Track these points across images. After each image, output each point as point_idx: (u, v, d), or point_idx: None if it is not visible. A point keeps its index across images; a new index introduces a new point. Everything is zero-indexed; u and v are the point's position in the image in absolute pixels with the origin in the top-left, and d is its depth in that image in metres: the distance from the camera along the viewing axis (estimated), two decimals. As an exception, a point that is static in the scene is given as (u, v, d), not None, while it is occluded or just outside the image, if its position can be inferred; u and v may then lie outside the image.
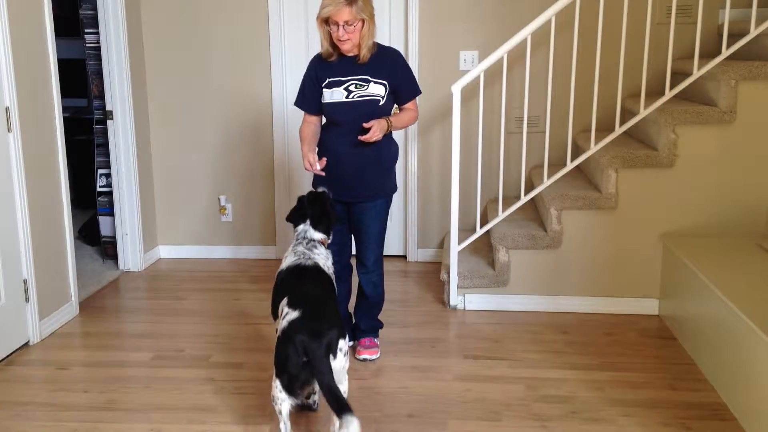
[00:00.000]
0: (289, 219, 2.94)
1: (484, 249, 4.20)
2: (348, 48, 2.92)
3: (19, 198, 3.36)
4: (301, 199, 2.94)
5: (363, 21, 2.86)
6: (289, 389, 2.34)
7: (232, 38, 4.58)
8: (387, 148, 3.10)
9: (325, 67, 3.02)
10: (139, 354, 3.34)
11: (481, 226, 3.99)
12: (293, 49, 4.59)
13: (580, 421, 2.71)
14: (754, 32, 3.47)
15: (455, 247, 3.83)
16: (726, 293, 2.86)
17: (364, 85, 2.96)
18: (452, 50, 4.46)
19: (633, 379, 3.05)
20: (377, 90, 2.97)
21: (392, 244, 4.82)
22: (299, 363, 2.29)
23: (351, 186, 3.08)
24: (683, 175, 3.63)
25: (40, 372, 3.18)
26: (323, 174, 2.98)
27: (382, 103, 2.99)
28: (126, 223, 4.54)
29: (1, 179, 3.26)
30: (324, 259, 2.80)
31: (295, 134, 4.72)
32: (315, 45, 4.57)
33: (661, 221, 3.68)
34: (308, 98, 3.09)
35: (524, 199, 3.83)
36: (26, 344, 3.45)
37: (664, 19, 4.22)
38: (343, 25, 2.84)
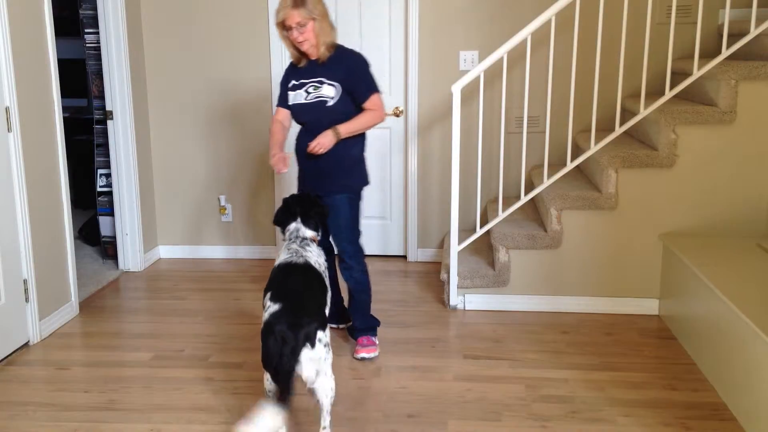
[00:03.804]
0: (277, 221, 2.99)
1: (484, 249, 4.20)
2: (307, 48, 3.04)
3: (19, 198, 3.36)
4: (286, 200, 2.99)
5: (314, 20, 2.98)
6: (277, 380, 2.35)
7: (232, 38, 4.58)
8: (346, 151, 3.15)
9: (294, 72, 3.19)
10: (139, 354, 3.34)
11: (481, 226, 3.99)
12: (293, 49, 4.59)
13: (580, 421, 2.71)
14: (754, 32, 3.47)
15: (455, 247, 3.83)
16: (726, 293, 2.86)
17: (319, 87, 3.08)
18: (452, 50, 4.46)
19: (633, 379, 3.05)
20: (328, 91, 3.07)
21: (392, 244, 4.82)
22: (282, 355, 2.29)
23: (316, 182, 3.20)
24: (683, 175, 3.63)
25: (40, 372, 3.18)
26: (284, 172, 3.08)
27: (330, 104, 3.07)
28: (126, 223, 4.54)
29: (1, 179, 3.26)
30: (316, 256, 2.83)
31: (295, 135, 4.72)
32: (315, 45, 4.58)
33: (661, 221, 3.69)
34: (281, 100, 3.25)
35: (524, 199, 3.83)
36: (26, 344, 3.45)
37: (664, 19, 4.22)
38: (296, 27, 2.97)
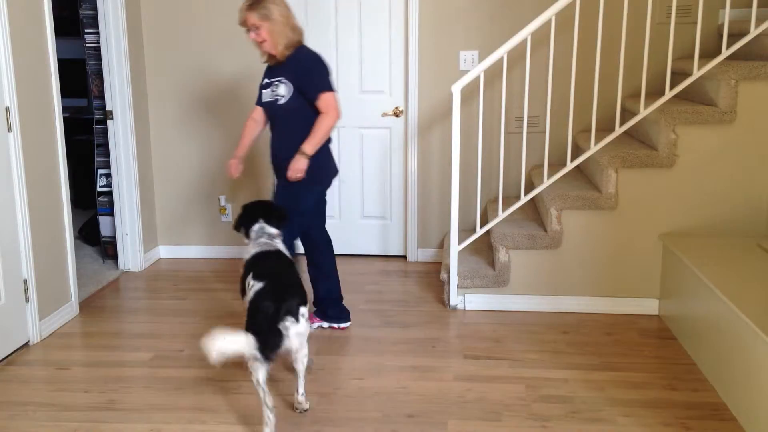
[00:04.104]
0: (238, 225, 3.11)
1: (484, 249, 4.20)
2: (267, 48, 3.16)
3: (19, 198, 3.36)
4: (246, 206, 3.15)
5: (269, 22, 3.09)
6: (263, 354, 2.50)
7: (232, 38, 4.58)
8: (292, 149, 3.22)
9: (267, 71, 3.33)
10: (139, 354, 3.34)
11: (481, 226, 3.99)
12: (293, 49, 4.60)
13: (580, 421, 2.71)
14: (754, 32, 3.47)
15: (455, 247, 3.83)
16: (726, 293, 2.86)
17: (278, 86, 3.20)
18: (452, 50, 4.46)
19: (633, 379, 3.05)
20: (281, 90, 3.18)
21: (392, 244, 4.82)
22: (267, 329, 2.50)
23: (280, 171, 3.30)
24: (683, 175, 3.63)
25: (40, 372, 3.18)
26: (236, 177, 3.37)
27: (281, 102, 3.18)
28: (126, 223, 4.54)
29: (1, 179, 3.26)
30: (284, 248, 3.02)
31: (295, 134, 4.73)
32: (314, 46, 4.58)
33: (661, 221, 3.69)
34: (257, 98, 3.40)
35: (524, 199, 3.83)
36: (26, 344, 3.46)
37: (664, 19, 4.22)
38: (252, 28, 3.12)
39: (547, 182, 3.79)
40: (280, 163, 3.26)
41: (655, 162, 3.60)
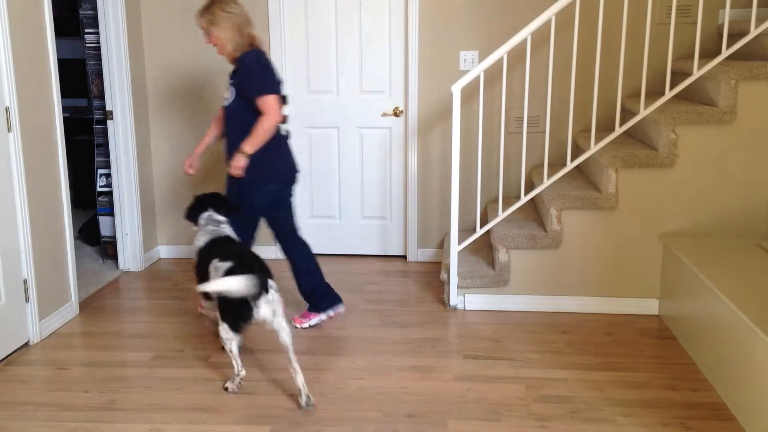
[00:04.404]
0: (190, 214, 3.31)
1: (484, 249, 4.20)
2: (219, 52, 3.31)
3: (19, 198, 3.36)
4: (197, 197, 3.35)
5: (216, 27, 3.24)
6: (235, 328, 2.83)
7: (232, 38, 4.58)
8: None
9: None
10: (139, 354, 3.35)
11: (481, 226, 3.99)
12: (293, 50, 4.60)
13: (580, 421, 2.72)
14: (754, 32, 3.47)
15: (455, 247, 3.84)
16: (726, 293, 2.86)
17: (228, 88, 3.34)
18: (452, 50, 4.46)
19: (633, 379, 3.05)
20: (229, 92, 3.32)
21: (392, 244, 4.82)
22: (240, 305, 2.75)
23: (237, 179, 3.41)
24: (683, 175, 3.63)
25: (40, 372, 3.18)
26: (191, 174, 3.55)
27: (225, 104, 3.34)
28: (126, 223, 4.54)
29: (1, 179, 3.26)
30: (232, 233, 3.23)
31: (295, 135, 4.73)
32: (314, 47, 4.58)
33: (661, 221, 3.69)
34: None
35: (524, 199, 3.83)
36: (26, 344, 3.46)
37: (664, 19, 4.22)
38: (204, 32, 3.29)
39: (547, 182, 3.79)
40: (227, 161, 3.40)
41: (655, 162, 3.60)
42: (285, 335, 2.83)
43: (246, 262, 2.81)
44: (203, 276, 3.01)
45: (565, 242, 3.76)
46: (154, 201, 4.82)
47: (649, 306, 3.77)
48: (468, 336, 3.53)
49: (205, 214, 3.26)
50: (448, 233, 4.61)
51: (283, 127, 3.43)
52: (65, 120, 4.79)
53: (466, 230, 4.51)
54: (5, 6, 3.20)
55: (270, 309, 2.79)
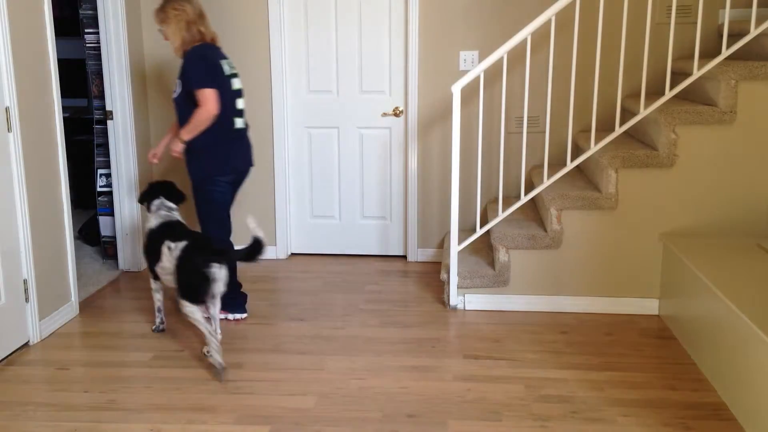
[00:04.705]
0: (143, 198, 3.54)
1: (484, 249, 4.20)
2: (173, 48, 3.50)
3: (19, 198, 3.36)
4: (151, 184, 3.57)
5: (167, 24, 3.43)
6: (196, 301, 3.06)
7: (232, 39, 4.58)
8: (193, 140, 3.46)
9: None
10: (139, 354, 3.35)
11: (481, 226, 3.99)
12: (293, 50, 4.60)
13: (580, 421, 2.71)
14: (754, 32, 3.47)
15: (455, 247, 3.84)
16: (726, 293, 2.86)
17: (177, 82, 3.49)
18: (452, 50, 4.46)
19: (633, 379, 3.05)
20: (176, 86, 3.49)
21: (392, 244, 4.83)
22: (199, 280, 3.02)
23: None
24: (683, 175, 3.63)
25: (40, 372, 3.18)
26: (155, 163, 3.77)
27: (174, 96, 3.53)
28: (126, 223, 4.54)
29: (1, 179, 3.26)
30: (181, 219, 3.46)
31: (296, 136, 4.73)
32: (315, 47, 4.58)
33: (661, 221, 3.69)
34: None
35: (524, 199, 3.83)
36: (26, 344, 3.46)
37: (664, 19, 4.22)
38: (159, 29, 3.49)
39: (547, 182, 3.79)
40: (190, 157, 3.54)
41: (655, 162, 3.60)
42: (217, 310, 3.25)
43: (199, 240, 3.12)
44: (154, 257, 3.29)
45: (565, 242, 3.76)
46: (154, 201, 4.82)
47: (649, 306, 3.77)
48: (468, 336, 3.53)
49: (157, 201, 3.50)
50: (448, 233, 4.61)
51: (239, 120, 3.53)
52: (65, 120, 4.78)
53: (466, 230, 4.51)
54: (5, 6, 3.20)
55: (223, 284, 3.11)
